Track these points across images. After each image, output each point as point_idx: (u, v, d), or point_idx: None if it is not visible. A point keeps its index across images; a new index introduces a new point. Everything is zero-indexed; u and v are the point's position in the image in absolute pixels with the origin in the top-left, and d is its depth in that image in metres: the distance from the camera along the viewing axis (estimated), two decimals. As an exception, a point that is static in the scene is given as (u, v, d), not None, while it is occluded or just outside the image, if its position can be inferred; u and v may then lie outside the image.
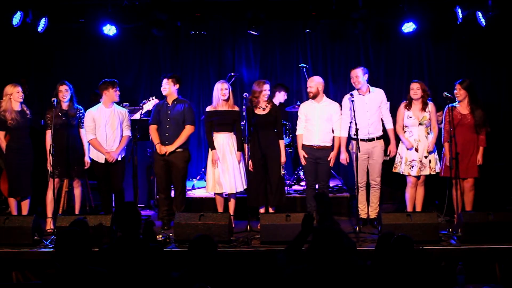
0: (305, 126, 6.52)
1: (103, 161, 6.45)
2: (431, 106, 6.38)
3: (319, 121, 6.41)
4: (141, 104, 6.75)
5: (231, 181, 6.33)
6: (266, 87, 6.40)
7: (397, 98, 6.78)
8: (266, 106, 6.41)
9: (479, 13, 7.01)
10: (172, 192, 6.76)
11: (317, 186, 6.53)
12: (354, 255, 3.99)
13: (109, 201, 6.69)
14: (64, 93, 6.34)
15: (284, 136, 7.01)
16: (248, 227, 6.22)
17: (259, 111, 6.40)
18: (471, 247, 5.54)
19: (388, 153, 6.46)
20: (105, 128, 6.45)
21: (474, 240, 5.58)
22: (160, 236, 5.76)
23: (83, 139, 6.50)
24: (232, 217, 6.28)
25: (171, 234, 5.88)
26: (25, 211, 6.38)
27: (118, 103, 6.69)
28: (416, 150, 6.31)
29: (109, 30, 7.52)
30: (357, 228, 5.97)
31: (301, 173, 7.85)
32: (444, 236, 5.79)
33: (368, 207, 6.55)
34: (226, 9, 7.94)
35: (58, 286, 3.55)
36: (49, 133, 6.29)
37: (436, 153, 6.38)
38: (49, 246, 5.68)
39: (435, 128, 6.37)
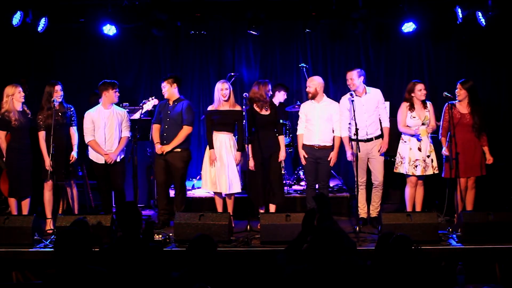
0: (306, 126, 6.52)
1: (103, 162, 6.45)
2: (430, 106, 6.40)
3: (319, 121, 6.41)
4: (141, 104, 6.75)
5: (227, 182, 6.32)
6: (269, 87, 6.41)
7: (397, 98, 6.79)
8: (268, 107, 6.43)
9: (479, 13, 7.01)
10: (172, 192, 6.76)
11: (317, 186, 6.53)
12: (354, 255, 3.99)
13: (109, 201, 6.70)
14: (59, 93, 6.34)
15: (284, 136, 7.00)
16: (248, 227, 6.22)
17: (261, 111, 6.41)
18: (471, 247, 5.53)
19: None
20: (104, 129, 6.45)
21: (474, 240, 5.57)
22: (160, 236, 5.76)
23: (73, 136, 6.48)
24: (231, 217, 6.29)
25: (171, 234, 5.88)
26: (25, 211, 6.38)
27: (117, 103, 6.69)
28: (419, 149, 6.32)
29: (109, 30, 7.53)
30: (357, 228, 5.97)
31: (301, 173, 7.85)
32: (444, 236, 5.79)
33: (368, 206, 6.56)
34: (226, 9, 7.94)
35: (58, 286, 3.55)
36: (42, 134, 6.27)
37: (433, 150, 6.38)
38: (49, 246, 5.68)
39: (433, 126, 6.39)
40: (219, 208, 6.50)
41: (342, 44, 8.41)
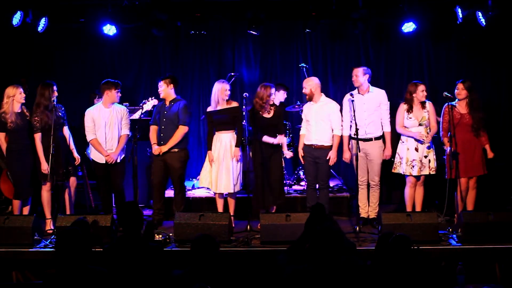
0: (306, 127, 6.54)
1: (104, 162, 6.45)
2: (429, 105, 6.40)
3: (316, 121, 6.41)
4: (140, 104, 6.75)
5: (228, 181, 6.33)
6: (272, 91, 6.40)
7: (397, 98, 6.78)
8: (271, 109, 6.43)
9: (479, 13, 7.01)
10: (170, 192, 6.76)
11: (317, 186, 6.54)
12: (354, 255, 3.99)
13: (109, 201, 6.70)
14: (56, 93, 6.34)
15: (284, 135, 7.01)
16: (248, 227, 6.22)
17: (264, 114, 6.41)
18: (471, 247, 5.54)
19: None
20: (104, 128, 6.45)
21: (474, 240, 5.58)
22: (160, 236, 5.77)
23: (67, 136, 6.47)
24: (232, 217, 6.29)
25: (171, 234, 5.88)
26: (25, 211, 6.38)
27: (118, 103, 6.68)
28: (416, 150, 6.32)
29: (109, 30, 7.52)
30: (357, 228, 5.97)
31: (301, 173, 7.85)
32: (444, 236, 5.78)
33: (368, 206, 6.56)
34: (226, 9, 7.94)
35: (58, 286, 3.55)
36: (39, 136, 6.24)
37: (434, 151, 6.38)
38: (49, 246, 5.68)
39: (434, 128, 6.39)
40: (220, 208, 6.50)
41: (342, 44, 8.40)
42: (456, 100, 6.32)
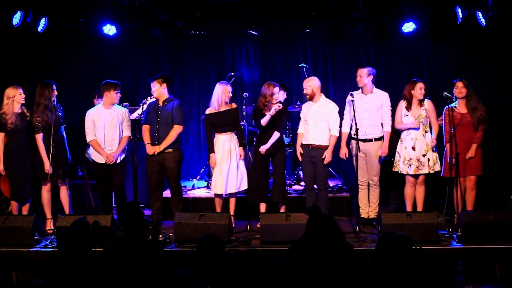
0: (304, 126, 6.54)
1: (104, 162, 6.45)
2: (428, 103, 6.39)
3: (314, 121, 6.42)
4: (140, 104, 6.75)
5: (235, 181, 6.35)
6: (276, 89, 6.40)
7: (397, 98, 6.77)
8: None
9: (479, 13, 7.00)
10: (166, 192, 6.76)
11: (315, 186, 6.55)
12: (353, 255, 4.00)
13: (109, 201, 6.70)
14: (55, 93, 6.33)
15: (284, 136, 7.01)
16: (248, 227, 6.22)
17: (266, 112, 6.42)
18: (471, 247, 5.54)
19: (379, 154, 6.46)
20: (103, 129, 6.45)
21: (474, 240, 5.58)
22: (160, 236, 5.77)
23: (63, 134, 6.48)
24: (232, 217, 6.30)
25: (171, 234, 5.88)
26: (25, 211, 6.38)
27: (118, 103, 6.68)
28: (413, 148, 6.32)
29: (109, 30, 7.52)
30: (357, 228, 5.97)
31: (301, 173, 7.84)
32: (444, 236, 5.78)
33: (368, 206, 6.56)
34: (226, 9, 7.94)
35: (60, 286, 3.55)
36: (40, 136, 6.24)
37: (436, 152, 6.38)
38: (49, 246, 5.68)
39: (435, 126, 6.38)
40: (218, 209, 6.50)
41: (342, 44, 8.40)
42: (456, 100, 6.32)
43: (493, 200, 6.88)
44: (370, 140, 6.45)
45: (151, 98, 6.88)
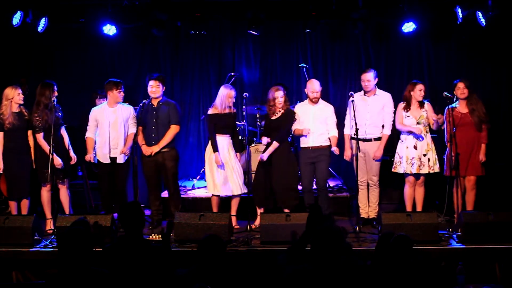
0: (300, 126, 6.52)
1: (109, 161, 6.46)
2: (427, 105, 6.41)
3: (314, 123, 6.43)
4: (140, 104, 6.74)
5: (236, 183, 6.35)
6: (278, 93, 6.39)
7: (397, 98, 6.78)
8: (279, 112, 6.43)
9: (479, 13, 7.00)
10: (164, 193, 6.76)
11: (314, 186, 6.55)
12: (352, 255, 3.99)
13: (110, 201, 6.69)
14: (56, 93, 6.32)
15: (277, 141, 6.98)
16: (248, 227, 6.23)
17: (272, 116, 6.46)
18: (471, 247, 5.54)
19: (372, 157, 6.47)
20: (108, 128, 6.45)
21: (474, 240, 5.58)
22: (160, 236, 5.76)
23: (64, 136, 6.48)
24: (234, 217, 6.30)
25: (171, 234, 5.87)
26: (24, 211, 6.37)
27: (122, 101, 6.67)
28: (415, 147, 6.33)
29: (109, 30, 7.52)
30: (357, 228, 5.97)
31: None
32: (444, 236, 5.78)
33: (368, 207, 6.57)
34: (226, 9, 7.94)
35: (61, 287, 3.55)
36: (41, 136, 6.23)
37: (435, 152, 6.38)
38: (49, 246, 5.67)
39: (433, 122, 6.40)
40: (215, 209, 6.49)
41: (342, 44, 8.40)
42: (457, 100, 6.32)
43: (493, 200, 6.88)
44: (370, 140, 6.46)
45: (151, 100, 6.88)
